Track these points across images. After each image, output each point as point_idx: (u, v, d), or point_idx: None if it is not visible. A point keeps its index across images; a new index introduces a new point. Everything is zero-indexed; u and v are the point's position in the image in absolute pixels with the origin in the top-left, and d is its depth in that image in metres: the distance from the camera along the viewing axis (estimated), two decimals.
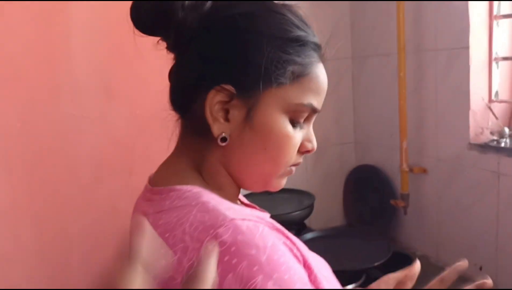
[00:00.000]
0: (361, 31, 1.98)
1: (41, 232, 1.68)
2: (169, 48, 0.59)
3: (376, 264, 1.43)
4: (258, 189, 0.59)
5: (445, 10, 1.58)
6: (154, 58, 2.03)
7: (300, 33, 0.54)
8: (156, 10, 0.54)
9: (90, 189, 1.73)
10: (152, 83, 1.76)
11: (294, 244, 0.51)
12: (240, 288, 0.42)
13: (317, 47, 0.56)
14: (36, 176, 1.65)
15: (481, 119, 1.58)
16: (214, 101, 0.52)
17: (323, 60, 0.57)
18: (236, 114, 0.53)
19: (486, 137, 1.57)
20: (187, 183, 0.55)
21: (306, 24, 0.56)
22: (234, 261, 0.43)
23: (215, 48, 0.54)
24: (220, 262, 0.43)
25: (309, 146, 0.58)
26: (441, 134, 1.69)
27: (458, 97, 1.59)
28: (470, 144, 1.57)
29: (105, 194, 1.76)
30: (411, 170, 1.79)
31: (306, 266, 0.51)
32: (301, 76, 0.53)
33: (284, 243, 0.49)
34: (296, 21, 0.55)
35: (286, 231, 0.52)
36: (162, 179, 0.58)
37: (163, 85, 2.02)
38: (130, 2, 1.51)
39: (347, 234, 1.70)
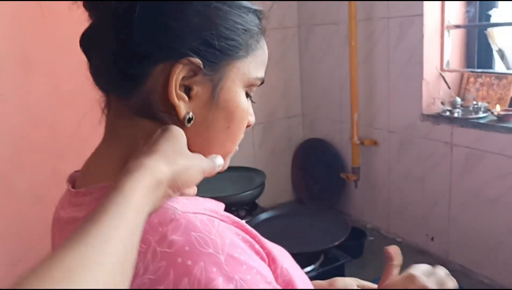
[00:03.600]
0: None
1: None
2: (92, 7, 0.46)
3: (336, 243, 1.32)
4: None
5: None
6: (73, 25, 1.73)
7: (252, 5, 0.48)
8: None
9: (10, 176, 1.47)
10: (77, 53, 1.51)
11: (254, 237, 0.43)
12: None
13: (261, 16, 0.50)
14: None
15: (433, 89, 1.52)
16: (179, 76, 0.44)
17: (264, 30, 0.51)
18: (200, 91, 0.45)
19: (438, 107, 1.51)
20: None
21: None
22: (189, 262, 0.37)
23: (174, 14, 0.44)
24: (173, 264, 0.37)
25: (251, 120, 0.52)
26: (392, 105, 1.61)
27: (410, 66, 1.53)
28: (422, 114, 1.51)
29: (27, 181, 1.51)
30: (361, 142, 1.70)
31: (271, 259, 0.44)
32: (256, 49, 0.48)
33: (243, 239, 0.42)
34: None
35: (244, 224, 0.44)
36: (93, 177, 0.47)
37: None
38: None
39: (301, 212, 1.60)
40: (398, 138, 1.61)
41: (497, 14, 1.48)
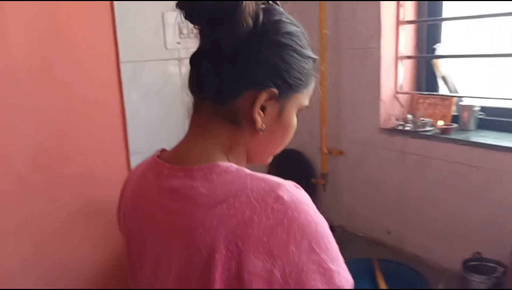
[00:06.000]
0: None
1: None
2: (205, 36, 0.61)
3: None
4: (259, 163, 0.70)
5: (360, 15, 1.72)
6: (91, 47, 1.89)
7: (311, 52, 0.66)
8: (222, 7, 0.56)
9: (27, 177, 1.58)
10: (89, 71, 1.65)
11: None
12: (302, 233, 0.52)
13: (316, 62, 0.68)
14: None
15: (389, 108, 1.74)
16: (261, 99, 0.60)
17: None
18: (271, 111, 0.62)
19: (393, 122, 1.73)
20: (220, 160, 0.60)
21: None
22: (295, 214, 0.53)
23: (268, 57, 0.60)
24: (286, 215, 0.52)
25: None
26: (355, 120, 1.82)
27: (370, 89, 1.74)
28: (380, 128, 1.72)
29: (42, 182, 1.62)
30: (329, 152, 1.90)
31: None
32: (309, 85, 0.67)
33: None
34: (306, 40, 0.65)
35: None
36: (193, 157, 0.61)
37: (100, 74, 1.87)
38: None
39: None
40: (360, 148, 1.83)
41: (440, 47, 1.73)
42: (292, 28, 0.62)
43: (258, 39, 0.59)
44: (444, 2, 1.67)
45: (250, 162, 0.67)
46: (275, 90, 0.59)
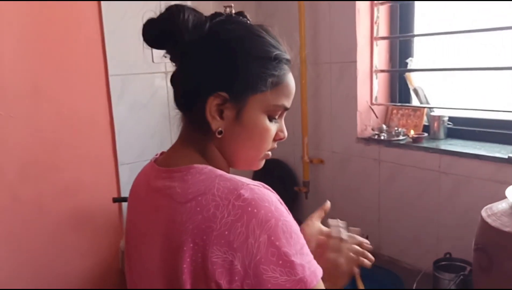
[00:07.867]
0: None
1: None
2: (173, 59, 0.67)
3: None
4: (246, 168, 0.71)
5: (337, 31, 1.80)
6: (80, 61, 1.95)
7: (276, 52, 0.65)
8: (166, 31, 0.63)
9: (16, 188, 1.61)
10: (78, 84, 1.71)
11: (282, 203, 0.63)
12: (261, 228, 0.55)
13: (288, 61, 0.67)
14: None
15: (365, 118, 1.82)
16: (213, 104, 0.63)
17: (292, 69, 0.70)
18: (229, 114, 0.64)
19: (369, 132, 1.81)
20: (198, 164, 0.64)
21: (279, 43, 0.67)
22: (255, 210, 0.56)
23: (213, 63, 0.63)
24: (246, 211, 0.55)
25: (281, 135, 0.70)
26: (334, 130, 1.90)
27: (348, 101, 1.82)
28: (357, 138, 1.80)
29: (32, 192, 1.65)
30: (311, 161, 1.97)
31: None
32: (277, 85, 0.65)
33: (279, 201, 0.62)
34: (273, 42, 0.66)
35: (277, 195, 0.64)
36: (176, 160, 0.66)
37: (90, 87, 1.92)
38: (61, 3, 1.53)
39: None
40: (339, 157, 1.91)
41: (412, 62, 1.83)
42: (238, 33, 0.64)
43: (201, 48, 0.63)
44: (415, 18, 1.77)
45: (236, 167, 0.70)
46: (223, 94, 0.62)
